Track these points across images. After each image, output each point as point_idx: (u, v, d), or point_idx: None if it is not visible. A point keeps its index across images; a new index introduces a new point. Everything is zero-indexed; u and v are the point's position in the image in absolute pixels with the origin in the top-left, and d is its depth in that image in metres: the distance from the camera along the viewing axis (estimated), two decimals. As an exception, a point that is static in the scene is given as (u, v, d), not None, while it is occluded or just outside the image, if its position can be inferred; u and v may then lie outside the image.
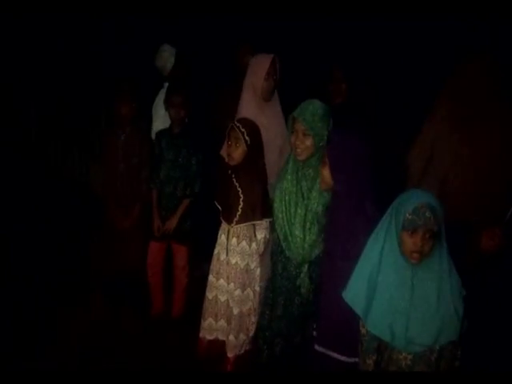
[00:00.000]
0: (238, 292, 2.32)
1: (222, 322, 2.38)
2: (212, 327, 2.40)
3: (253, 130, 2.26)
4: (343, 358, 1.88)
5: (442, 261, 1.53)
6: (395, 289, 1.54)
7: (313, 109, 2.02)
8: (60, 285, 3.01)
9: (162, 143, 2.76)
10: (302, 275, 2.10)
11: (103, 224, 2.96)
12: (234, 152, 2.23)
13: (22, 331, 2.58)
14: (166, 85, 3.05)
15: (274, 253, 2.23)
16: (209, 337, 2.42)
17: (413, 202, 1.49)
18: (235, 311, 2.33)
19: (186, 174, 2.72)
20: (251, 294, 2.35)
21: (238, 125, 2.23)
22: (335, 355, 1.90)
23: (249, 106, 2.56)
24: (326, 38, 3.53)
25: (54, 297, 2.91)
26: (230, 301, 2.33)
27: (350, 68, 2.89)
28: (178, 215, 2.73)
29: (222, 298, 2.36)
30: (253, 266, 2.34)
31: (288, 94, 2.63)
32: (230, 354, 2.37)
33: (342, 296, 1.68)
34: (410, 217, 1.48)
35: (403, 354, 1.55)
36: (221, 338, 2.41)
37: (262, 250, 2.34)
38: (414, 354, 1.54)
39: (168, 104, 2.74)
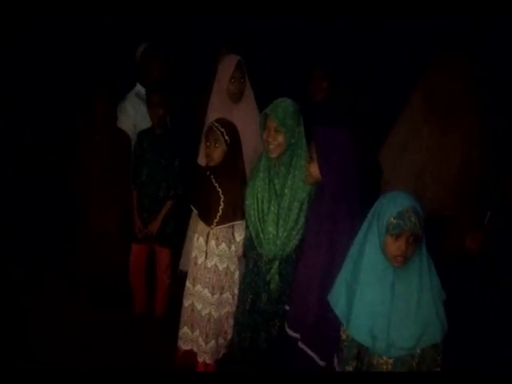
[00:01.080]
0: (216, 296, 2.28)
1: (198, 333, 2.31)
2: (187, 337, 2.35)
3: (231, 129, 2.24)
4: (315, 357, 1.89)
5: (423, 263, 1.52)
6: (376, 292, 1.53)
7: (284, 106, 2.04)
8: (43, 285, 2.99)
9: (144, 144, 2.72)
10: (272, 271, 2.10)
11: (83, 226, 2.92)
12: (214, 152, 2.21)
13: (4, 332, 2.55)
14: (138, 86, 3.03)
15: (247, 249, 2.24)
16: (184, 347, 2.37)
17: (397, 206, 1.47)
18: (215, 315, 2.30)
19: (168, 175, 2.68)
20: (230, 297, 2.32)
21: (216, 125, 2.20)
22: (309, 352, 1.91)
23: (216, 108, 2.56)
24: (308, 37, 3.51)
25: (37, 297, 2.90)
26: (208, 306, 2.29)
27: (332, 66, 2.91)
28: (160, 217, 2.70)
29: (199, 306, 2.31)
30: (232, 268, 2.31)
31: (268, 93, 2.62)
32: (208, 360, 2.33)
33: (328, 300, 1.67)
34: (394, 221, 1.46)
35: (384, 359, 1.54)
36: (196, 350, 2.33)
37: (241, 252, 2.32)
38: (395, 358, 1.52)
39: (147, 103, 2.70)
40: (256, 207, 2.13)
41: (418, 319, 1.48)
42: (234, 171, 2.27)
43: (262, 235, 2.12)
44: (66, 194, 3.17)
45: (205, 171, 2.32)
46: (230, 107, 2.55)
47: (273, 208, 2.09)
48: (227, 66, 2.51)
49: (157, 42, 3.23)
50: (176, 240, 2.80)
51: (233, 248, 2.30)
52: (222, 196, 2.24)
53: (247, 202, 2.17)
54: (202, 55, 3.43)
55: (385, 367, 1.53)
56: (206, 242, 2.29)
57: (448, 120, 2.14)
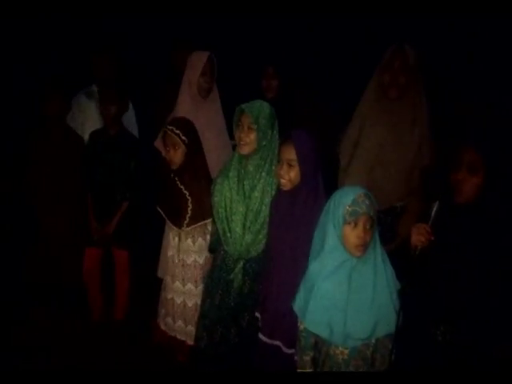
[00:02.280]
0: (201, 286, 2.31)
1: (180, 323, 2.37)
2: (170, 327, 2.40)
3: (188, 127, 2.21)
4: (285, 349, 1.90)
5: (377, 255, 1.56)
6: (333, 285, 1.55)
7: (260, 105, 2.04)
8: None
9: (98, 145, 2.66)
10: (236, 270, 2.11)
11: (36, 229, 2.83)
12: (175, 156, 2.19)
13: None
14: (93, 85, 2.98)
15: (216, 244, 2.24)
16: (169, 333, 2.41)
17: (350, 196, 1.51)
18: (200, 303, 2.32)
19: (124, 177, 2.63)
20: None
21: (170, 128, 2.17)
22: (281, 346, 1.92)
23: (185, 103, 2.56)
24: (261, 36, 3.52)
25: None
26: (193, 298, 2.33)
27: (284, 65, 2.92)
28: (116, 219, 2.65)
29: (179, 300, 2.35)
30: (209, 255, 2.34)
31: (226, 92, 2.64)
32: (190, 342, 2.36)
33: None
34: (350, 209, 1.49)
35: (340, 349, 1.56)
36: (180, 337, 2.40)
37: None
38: (351, 348, 1.55)
39: (99, 102, 2.66)
40: (224, 205, 2.12)
41: (374, 310, 1.51)
42: (197, 170, 2.26)
43: (228, 234, 2.12)
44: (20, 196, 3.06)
45: (169, 174, 2.28)
46: (199, 102, 2.56)
47: (241, 209, 2.08)
48: (198, 60, 2.52)
49: (107, 39, 3.16)
50: (134, 242, 2.77)
51: (208, 237, 2.32)
52: (189, 198, 2.23)
53: (215, 198, 2.16)
54: (154, 54, 3.38)
55: (341, 357, 1.57)
56: (180, 240, 2.29)
57: (398, 114, 2.21)
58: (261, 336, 1.97)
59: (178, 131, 2.15)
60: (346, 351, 1.56)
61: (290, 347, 1.87)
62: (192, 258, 2.30)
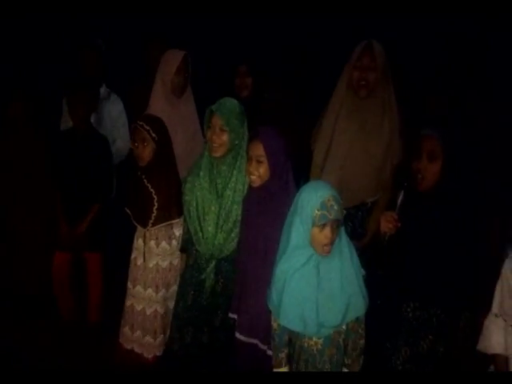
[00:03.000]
0: (161, 293, 2.27)
1: (139, 333, 2.30)
2: (128, 337, 2.33)
3: (158, 125, 2.19)
4: (263, 347, 1.91)
5: (343, 245, 1.61)
6: (303, 278, 1.59)
7: (230, 105, 2.04)
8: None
9: (66, 146, 2.61)
10: (208, 270, 2.11)
11: (3, 234, 2.77)
12: (143, 152, 2.16)
13: None
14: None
15: (188, 244, 2.23)
16: (126, 345, 2.35)
17: (318, 197, 1.53)
18: (161, 311, 2.28)
19: (94, 177, 2.59)
20: (176, 289, 2.31)
21: (141, 123, 2.15)
22: (258, 344, 1.93)
23: (159, 101, 2.55)
24: (236, 34, 3.53)
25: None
26: (153, 305, 2.27)
27: (259, 63, 2.94)
28: (87, 221, 2.62)
29: (138, 307, 2.28)
30: (175, 262, 2.31)
31: (199, 91, 2.64)
32: (147, 355, 2.31)
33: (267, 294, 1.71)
34: (319, 213, 1.52)
35: (314, 340, 1.61)
36: (137, 350, 2.32)
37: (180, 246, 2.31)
38: (324, 338, 1.60)
39: (67, 102, 2.63)
40: (195, 205, 2.11)
41: (343, 297, 1.57)
42: (165, 168, 2.23)
43: (200, 234, 2.11)
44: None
45: (136, 172, 2.26)
46: (173, 101, 2.56)
47: (213, 208, 2.08)
48: (173, 58, 2.52)
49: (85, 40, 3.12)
50: (106, 244, 2.74)
51: (174, 243, 2.29)
52: (155, 196, 2.20)
53: (187, 198, 2.14)
54: (127, 52, 3.35)
55: (315, 348, 1.61)
56: (144, 242, 2.25)
57: (368, 111, 2.24)
58: (238, 335, 1.97)
59: (148, 127, 2.13)
60: (320, 341, 1.60)
61: (266, 344, 1.88)
62: (154, 262, 2.25)
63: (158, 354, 2.31)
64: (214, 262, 2.11)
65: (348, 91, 2.27)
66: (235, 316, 2.02)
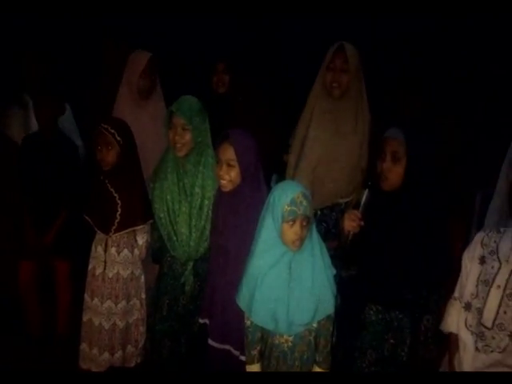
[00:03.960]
0: (121, 305, 2.19)
1: (96, 351, 2.19)
2: (85, 355, 2.22)
3: (123, 128, 2.16)
4: (236, 353, 1.88)
5: (314, 242, 1.64)
6: (275, 277, 1.61)
7: (190, 103, 2.02)
8: None
9: (32, 151, 2.54)
10: (186, 272, 2.08)
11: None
12: (107, 156, 2.11)
13: None
14: None
15: (159, 253, 2.19)
16: (83, 365, 2.23)
17: (288, 194, 1.57)
18: (121, 324, 2.20)
19: (62, 183, 2.52)
20: (138, 303, 2.25)
21: (105, 127, 2.10)
22: (231, 350, 1.89)
23: (125, 104, 2.52)
24: (212, 31, 3.53)
25: None
26: (112, 317, 2.17)
27: (236, 60, 2.95)
28: (55, 228, 2.55)
29: (96, 322, 2.19)
30: (137, 273, 2.24)
31: (175, 89, 2.56)
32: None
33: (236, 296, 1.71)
34: (288, 208, 1.56)
35: (284, 337, 1.63)
36: (94, 369, 2.20)
37: (145, 254, 2.25)
38: (294, 335, 1.62)
39: (33, 106, 2.57)
40: (166, 209, 2.09)
41: (314, 295, 1.59)
42: (130, 173, 2.18)
43: (174, 238, 2.08)
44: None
45: (98, 176, 2.20)
46: (140, 103, 2.52)
47: (184, 208, 2.06)
48: (139, 60, 2.48)
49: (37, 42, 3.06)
50: (75, 251, 2.63)
51: (136, 252, 2.22)
52: (119, 201, 2.14)
53: (156, 205, 2.12)
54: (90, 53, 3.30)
55: (286, 345, 1.63)
56: (105, 250, 2.17)
57: (341, 113, 2.25)
58: (210, 342, 1.93)
59: (113, 130, 2.10)
60: (291, 338, 1.63)
61: (239, 349, 1.85)
62: (115, 271, 2.17)
63: (126, 365, 2.25)
64: (191, 264, 2.08)
65: (322, 93, 2.29)
66: (206, 321, 1.98)
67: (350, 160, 2.20)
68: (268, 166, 2.24)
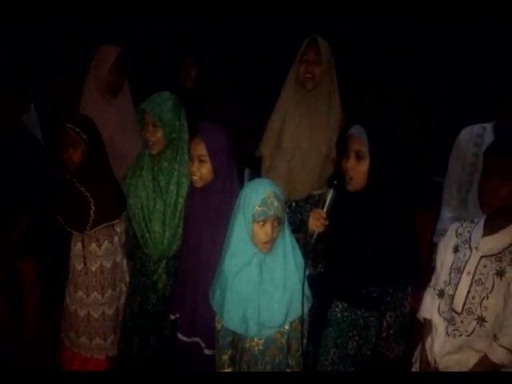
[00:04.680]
0: (108, 294, 2.19)
1: (84, 339, 2.21)
2: (74, 343, 2.24)
3: (88, 125, 2.10)
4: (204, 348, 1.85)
5: (286, 241, 1.61)
6: (245, 278, 1.58)
7: (161, 100, 1.98)
8: None
9: None
10: (159, 270, 2.06)
11: None
12: (73, 156, 2.06)
13: None
14: None
15: (133, 249, 2.17)
16: (74, 349, 2.24)
17: (259, 194, 1.54)
18: (109, 312, 2.20)
19: (23, 183, 2.43)
20: (123, 286, 2.26)
21: (70, 126, 2.05)
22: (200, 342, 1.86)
23: (93, 99, 2.47)
24: (182, 26, 3.48)
25: None
26: (100, 307, 2.18)
27: (202, 54, 2.92)
28: (20, 229, 2.47)
29: (82, 313, 2.18)
30: (119, 258, 2.23)
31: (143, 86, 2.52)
32: (98, 356, 2.23)
33: (210, 294, 1.68)
34: (259, 209, 1.53)
35: (255, 341, 1.60)
36: (83, 353, 2.23)
37: (124, 239, 2.24)
38: (265, 338, 1.59)
39: None
40: (140, 206, 2.06)
41: (285, 297, 1.57)
42: (99, 170, 2.14)
43: (147, 235, 2.05)
44: None
45: (64, 175, 2.15)
46: (108, 98, 2.48)
47: (158, 206, 2.03)
48: (107, 55, 2.42)
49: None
50: (41, 251, 2.58)
51: (115, 239, 2.22)
52: (91, 200, 2.10)
53: (130, 201, 2.08)
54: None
55: (256, 348, 1.60)
56: (83, 247, 2.15)
57: (314, 105, 2.27)
58: (180, 336, 1.90)
59: (78, 129, 2.04)
60: (261, 342, 1.60)
61: (209, 346, 1.82)
62: (97, 264, 2.16)
63: (110, 355, 2.24)
64: (164, 262, 2.06)
65: (296, 85, 2.31)
66: (177, 316, 1.96)
67: (323, 151, 2.21)
68: (240, 161, 2.21)
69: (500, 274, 1.50)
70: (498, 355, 1.50)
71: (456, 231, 1.64)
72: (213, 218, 1.82)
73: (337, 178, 1.65)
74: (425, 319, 1.69)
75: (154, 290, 2.08)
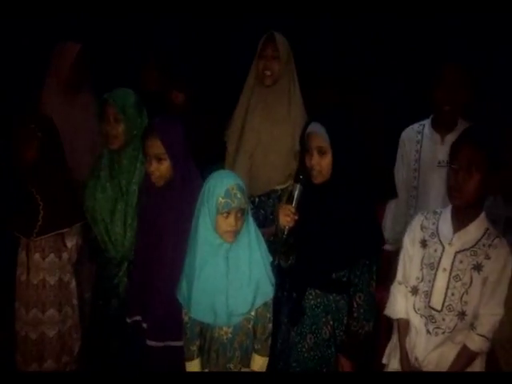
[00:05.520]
0: (49, 313, 2.04)
1: (35, 366, 2.05)
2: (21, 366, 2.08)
3: (44, 122, 2.04)
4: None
5: (251, 233, 1.64)
6: (212, 269, 1.60)
7: (125, 94, 1.97)
8: None
9: None
10: (120, 274, 2.02)
11: None
12: (26, 153, 1.97)
13: None
14: None
15: (94, 253, 2.12)
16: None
17: (223, 186, 1.56)
18: (51, 334, 2.06)
19: None
20: (69, 310, 2.12)
21: (24, 121, 1.99)
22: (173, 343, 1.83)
23: (52, 96, 2.43)
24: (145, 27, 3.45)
25: None
26: (40, 326, 2.03)
27: (164, 56, 2.92)
28: None
29: (22, 332, 2.04)
30: (66, 278, 2.09)
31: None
32: None
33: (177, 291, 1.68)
34: (223, 200, 1.55)
35: (224, 329, 1.63)
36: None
37: (75, 258, 2.11)
38: (234, 326, 1.62)
39: None
40: (100, 208, 2.01)
41: (252, 284, 1.61)
42: (53, 171, 2.04)
43: (107, 237, 2.02)
44: None
45: (16, 175, 2.07)
46: (69, 95, 2.45)
47: (119, 207, 2.00)
48: (67, 52, 2.40)
49: None
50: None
51: (65, 256, 2.07)
52: (41, 202, 2.00)
53: (89, 204, 2.03)
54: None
55: (225, 337, 1.63)
56: (27, 256, 2.03)
57: (274, 100, 2.29)
58: (149, 342, 1.84)
59: (32, 125, 1.98)
60: (230, 330, 1.63)
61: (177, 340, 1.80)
62: (40, 277, 2.02)
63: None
64: (126, 264, 2.02)
65: (255, 82, 2.33)
66: (136, 318, 1.92)
67: (284, 146, 2.24)
68: (208, 158, 2.25)
69: (477, 268, 1.53)
70: (476, 344, 1.54)
71: (421, 224, 1.64)
72: (174, 215, 1.80)
73: (302, 172, 1.70)
74: (399, 319, 1.69)
75: (115, 294, 2.03)
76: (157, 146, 1.75)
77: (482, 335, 1.53)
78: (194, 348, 1.66)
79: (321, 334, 1.72)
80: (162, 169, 1.77)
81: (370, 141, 2.18)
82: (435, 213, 1.64)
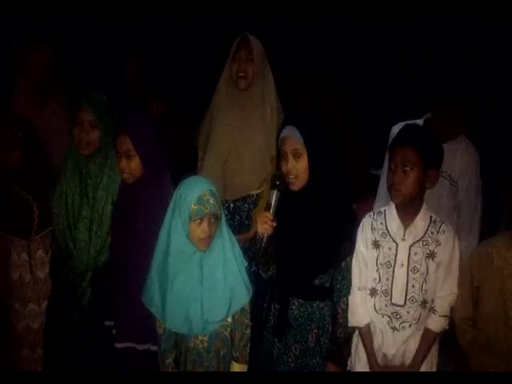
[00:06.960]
0: (45, 304, 2.10)
1: (40, 352, 2.13)
2: (31, 358, 2.15)
3: (25, 124, 2.05)
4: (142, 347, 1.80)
5: (224, 239, 1.64)
6: (186, 278, 1.59)
7: (100, 99, 1.94)
8: None
9: None
10: (83, 284, 1.95)
11: None
12: (10, 157, 1.99)
13: None
14: None
15: (55, 262, 2.05)
16: (30, 368, 2.16)
17: (195, 192, 1.55)
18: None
19: None
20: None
21: (6, 126, 1.99)
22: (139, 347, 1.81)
23: (24, 100, 2.40)
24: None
25: None
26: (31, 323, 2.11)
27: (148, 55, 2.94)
28: None
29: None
30: None
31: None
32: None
33: (142, 299, 1.66)
34: (195, 207, 1.54)
35: (200, 338, 1.62)
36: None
37: None
38: (210, 334, 1.61)
39: None
40: (65, 213, 1.97)
41: (226, 290, 1.60)
42: (40, 171, 2.08)
43: (71, 244, 1.96)
44: None
45: (3, 182, 2.06)
46: (40, 99, 2.42)
47: (85, 212, 1.95)
48: (39, 54, 2.36)
49: None
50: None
51: None
52: (34, 202, 2.05)
53: (54, 210, 1.99)
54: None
55: (201, 346, 1.62)
56: (29, 255, 2.06)
57: (248, 104, 2.25)
58: (117, 345, 1.82)
59: (15, 128, 1.99)
60: (206, 338, 1.62)
61: (142, 342, 1.79)
62: (46, 271, 2.08)
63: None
64: (89, 275, 1.96)
65: (229, 84, 2.30)
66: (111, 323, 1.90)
67: (259, 150, 2.21)
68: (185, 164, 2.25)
69: (431, 255, 1.62)
70: (439, 324, 1.64)
71: (371, 226, 1.69)
72: (144, 214, 1.79)
73: (278, 178, 1.69)
74: (359, 326, 1.71)
75: (78, 306, 1.95)
76: (126, 143, 1.77)
77: (443, 315, 1.63)
78: (170, 361, 1.64)
79: (306, 342, 1.72)
80: (131, 166, 1.78)
81: (346, 140, 2.20)
82: (380, 212, 1.71)
